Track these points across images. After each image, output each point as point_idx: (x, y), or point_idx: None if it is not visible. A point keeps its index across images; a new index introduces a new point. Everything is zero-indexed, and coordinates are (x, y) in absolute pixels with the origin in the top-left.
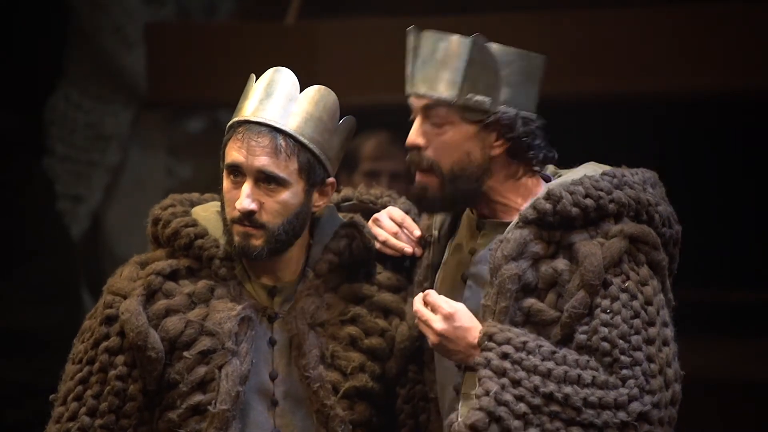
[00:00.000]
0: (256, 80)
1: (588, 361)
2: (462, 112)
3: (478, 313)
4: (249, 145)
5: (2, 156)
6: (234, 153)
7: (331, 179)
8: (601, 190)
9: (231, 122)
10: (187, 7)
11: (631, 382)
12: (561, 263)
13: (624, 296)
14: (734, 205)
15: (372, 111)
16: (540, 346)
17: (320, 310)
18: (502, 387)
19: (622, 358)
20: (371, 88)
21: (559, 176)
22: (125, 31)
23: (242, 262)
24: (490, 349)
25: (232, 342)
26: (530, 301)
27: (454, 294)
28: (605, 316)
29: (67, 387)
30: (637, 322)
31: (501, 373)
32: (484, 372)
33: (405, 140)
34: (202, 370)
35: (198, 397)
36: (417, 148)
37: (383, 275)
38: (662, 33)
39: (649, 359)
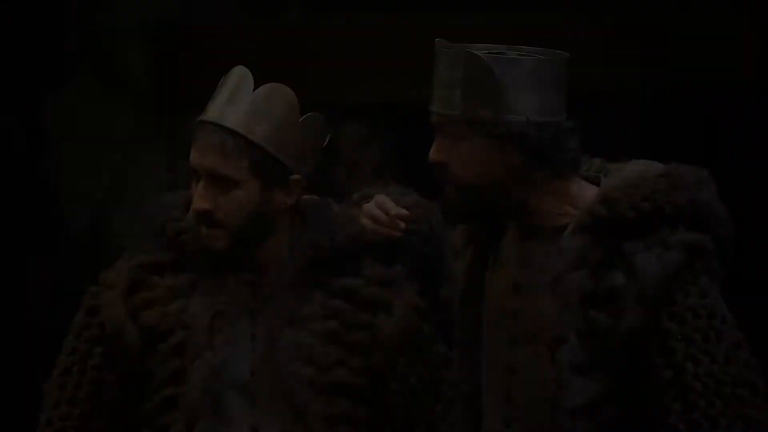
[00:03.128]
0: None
1: None
2: (469, 125)
3: (535, 322)
4: (201, 145)
5: (3, 155)
6: (191, 155)
7: (296, 176)
8: (658, 191)
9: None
10: (191, 7)
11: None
12: (619, 275)
13: (688, 315)
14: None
15: (374, 109)
16: None
17: (301, 305)
18: None
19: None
20: (373, 87)
21: (606, 173)
22: (128, 31)
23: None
24: None
25: (206, 335)
26: (592, 312)
27: (506, 304)
28: (680, 346)
29: (52, 377)
30: (710, 346)
31: None
32: None
33: (405, 138)
34: (176, 363)
35: (171, 390)
36: (438, 163)
37: (370, 269)
38: None
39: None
